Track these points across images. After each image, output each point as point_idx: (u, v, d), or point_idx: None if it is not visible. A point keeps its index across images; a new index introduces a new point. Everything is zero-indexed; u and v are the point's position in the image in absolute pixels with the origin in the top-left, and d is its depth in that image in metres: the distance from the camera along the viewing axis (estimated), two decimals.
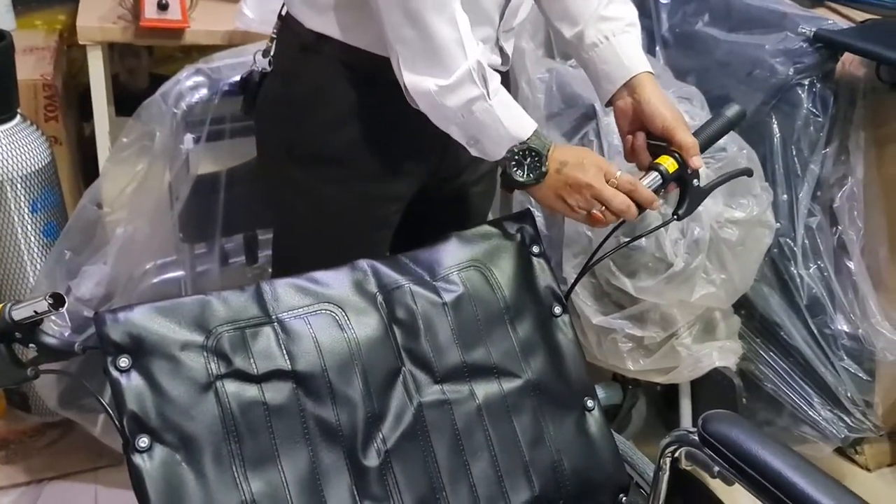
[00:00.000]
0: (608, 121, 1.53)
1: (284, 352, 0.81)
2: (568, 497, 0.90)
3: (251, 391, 0.78)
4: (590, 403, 0.95)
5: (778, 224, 1.53)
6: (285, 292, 0.84)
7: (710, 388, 1.57)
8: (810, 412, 1.58)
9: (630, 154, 1.06)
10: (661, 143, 1.02)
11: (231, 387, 0.77)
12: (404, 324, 0.88)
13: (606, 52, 1.05)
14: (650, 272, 1.44)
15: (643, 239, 1.44)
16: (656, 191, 0.99)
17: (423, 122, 1.01)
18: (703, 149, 1.03)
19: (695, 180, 1.01)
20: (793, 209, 1.57)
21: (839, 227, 1.59)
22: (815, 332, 1.58)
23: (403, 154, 1.07)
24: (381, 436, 0.82)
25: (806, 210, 1.57)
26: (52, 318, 1.44)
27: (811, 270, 1.58)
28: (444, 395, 0.87)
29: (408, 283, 0.90)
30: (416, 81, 0.94)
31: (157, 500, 0.71)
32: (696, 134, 1.03)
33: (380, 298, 0.88)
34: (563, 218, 1.54)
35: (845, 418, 1.57)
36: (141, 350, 0.76)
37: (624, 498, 0.93)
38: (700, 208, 1.43)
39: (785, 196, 1.58)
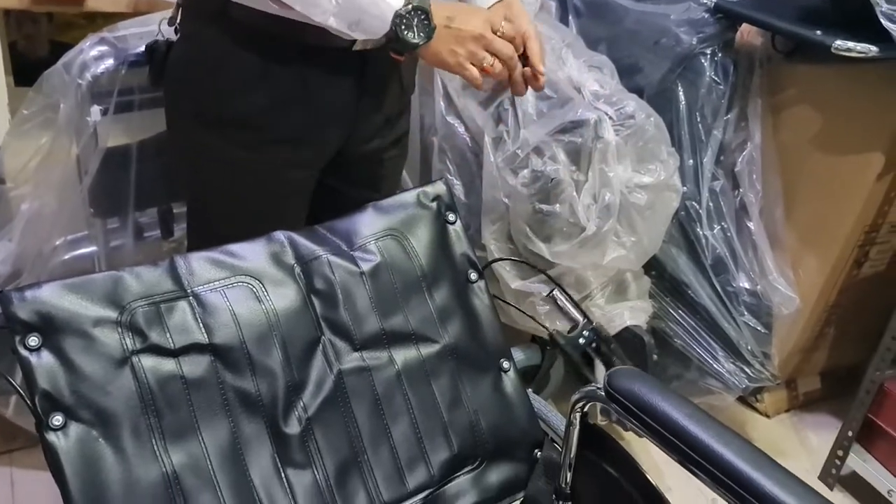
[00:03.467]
0: None
1: (201, 325, 0.80)
2: (486, 454, 0.93)
3: (168, 365, 0.78)
4: (505, 365, 0.98)
5: (684, 188, 1.59)
6: (200, 266, 0.84)
7: (623, 346, 1.64)
8: (715, 365, 1.67)
9: None
10: None
11: (147, 361, 0.77)
12: (323, 294, 0.88)
13: None
14: (564, 237, 1.48)
15: (557, 205, 1.48)
16: None
17: (334, 88, 1.01)
18: None
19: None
20: (698, 173, 1.64)
21: (740, 190, 1.67)
22: (719, 289, 1.66)
23: (313, 120, 1.07)
24: (301, 404, 0.83)
25: (710, 174, 1.64)
26: None
27: (715, 231, 1.66)
28: (364, 361, 0.88)
29: (325, 253, 0.90)
30: None
31: (73, 477, 0.71)
32: None
33: (297, 270, 0.88)
34: (480, 186, 1.57)
35: (746, 369, 1.66)
36: (51, 328, 0.74)
37: (539, 453, 0.97)
38: (610, 174, 1.50)
39: (691, 161, 1.64)
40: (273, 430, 0.81)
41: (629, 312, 1.56)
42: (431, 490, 0.88)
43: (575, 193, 1.46)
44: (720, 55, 1.60)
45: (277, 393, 0.82)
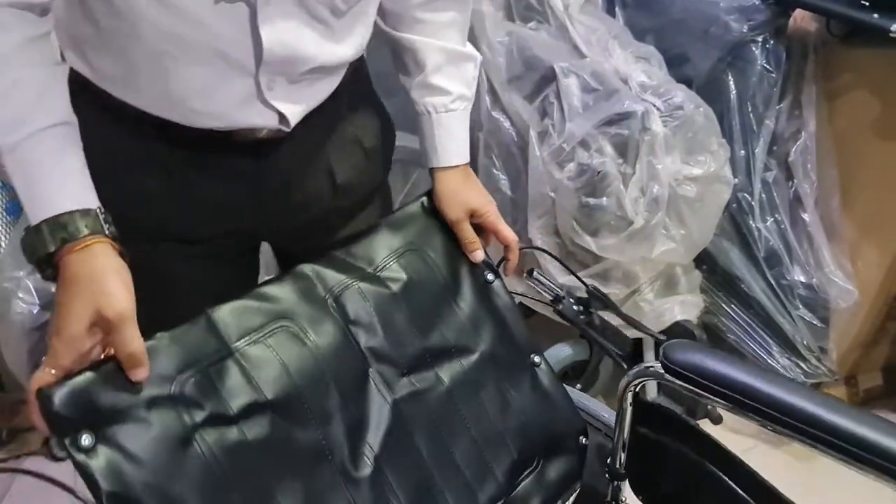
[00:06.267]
0: (567, 83, 1.54)
1: (255, 382, 0.77)
2: (540, 452, 0.93)
3: (231, 434, 0.73)
4: (536, 359, 0.97)
5: (735, 179, 1.56)
6: (235, 315, 0.79)
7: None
8: (769, 360, 1.64)
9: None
10: None
11: (210, 436, 0.72)
12: (361, 323, 0.86)
13: (426, 126, 0.98)
14: (612, 230, 1.47)
15: (604, 198, 1.47)
16: None
17: (209, 181, 0.86)
18: None
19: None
20: (749, 164, 1.61)
21: (794, 181, 1.63)
22: (773, 283, 1.63)
23: (185, 215, 0.89)
24: (367, 444, 0.81)
25: (762, 165, 1.61)
26: (20, 294, 1.44)
27: (768, 223, 1.62)
28: (414, 385, 0.87)
29: (353, 280, 0.88)
30: None
31: None
32: None
33: (330, 301, 0.86)
34: (526, 180, 1.56)
35: (802, 364, 1.63)
36: (101, 421, 0.66)
37: (584, 440, 0.97)
38: (658, 166, 1.48)
39: (742, 152, 1.61)
40: (345, 478, 0.79)
41: (679, 307, 1.54)
42: (503, 499, 0.88)
43: (622, 186, 1.44)
44: (772, 42, 1.56)
45: (341, 437, 0.80)
